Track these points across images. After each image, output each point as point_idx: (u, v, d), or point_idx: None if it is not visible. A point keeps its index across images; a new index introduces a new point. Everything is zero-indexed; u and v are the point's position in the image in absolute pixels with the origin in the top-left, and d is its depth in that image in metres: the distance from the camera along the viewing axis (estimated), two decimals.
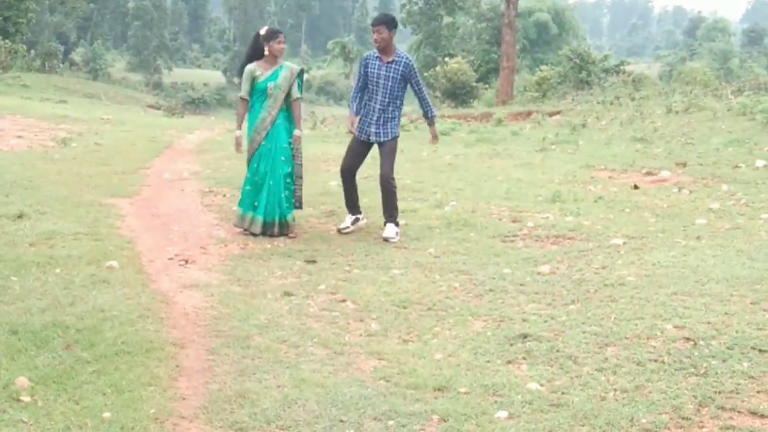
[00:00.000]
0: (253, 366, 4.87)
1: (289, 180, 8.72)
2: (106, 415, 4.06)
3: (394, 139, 8.86)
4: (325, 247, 8.12)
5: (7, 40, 43.99)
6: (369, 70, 8.69)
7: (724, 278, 6.45)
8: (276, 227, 8.60)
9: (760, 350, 4.91)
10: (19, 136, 16.19)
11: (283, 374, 4.74)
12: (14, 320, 5.27)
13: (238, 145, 8.86)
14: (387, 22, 8.68)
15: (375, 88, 8.71)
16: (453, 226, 9.03)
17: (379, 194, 8.82)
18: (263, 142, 8.63)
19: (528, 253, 7.83)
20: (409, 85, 8.82)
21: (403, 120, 27.53)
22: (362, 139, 8.83)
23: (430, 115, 9.18)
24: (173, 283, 6.63)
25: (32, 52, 52.72)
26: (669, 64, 79.16)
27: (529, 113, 27.39)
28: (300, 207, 8.98)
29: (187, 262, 7.35)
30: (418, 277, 7.04)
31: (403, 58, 8.71)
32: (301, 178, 8.92)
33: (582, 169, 13.72)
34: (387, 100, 8.71)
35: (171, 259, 7.44)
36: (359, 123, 8.84)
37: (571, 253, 7.74)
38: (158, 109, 43.50)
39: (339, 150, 15.98)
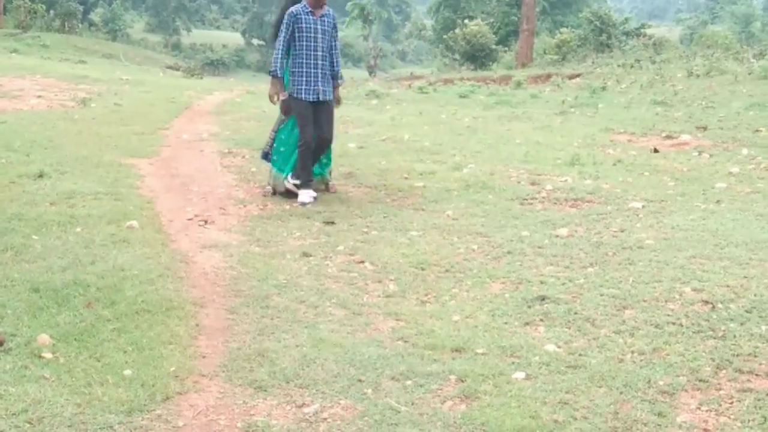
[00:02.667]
0: (272, 325, 4.91)
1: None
2: (127, 372, 4.11)
3: (331, 99, 8.67)
4: (344, 209, 8.13)
5: (26, 0, 43.96)
6: (303, 25, 8.27)
7: (743, 242, 6.43)
8: (319, 184, 8.72)
9: None
10: (39, 96, 16.23)
11: (302, 334, 4.78)
12: (36, 278, 5.32)
13: (273, 98, 8.79)
14: None
15: (313, 44, 8.32)
16: (471, 189, 9.01)
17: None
18: None
19: (546, 216, 7.82)
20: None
21: (422, 82, 27.57)
22: (312, 99, 8.39)
23: (340, 76, 8.82)
24: (193, 243, 6.67)
25: (51, 12, 52.51)
26: (690, 28, 78.36)
27: (549, 76, 27.23)
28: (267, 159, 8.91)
29: (206, 222, 7.39)
30: (436, 239, 7.05)
31: (329, 11, 8.52)
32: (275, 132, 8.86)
33: (601, 132, 13.64)
34: (325, 54, 8.46)
35: (190, 219, 7.48)
36: (303, 85, 8.37)
37: (589, 216, 7.72)
38: (177, 70, 43.42)
39: (358, 112, 16.00)
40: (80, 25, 59.24)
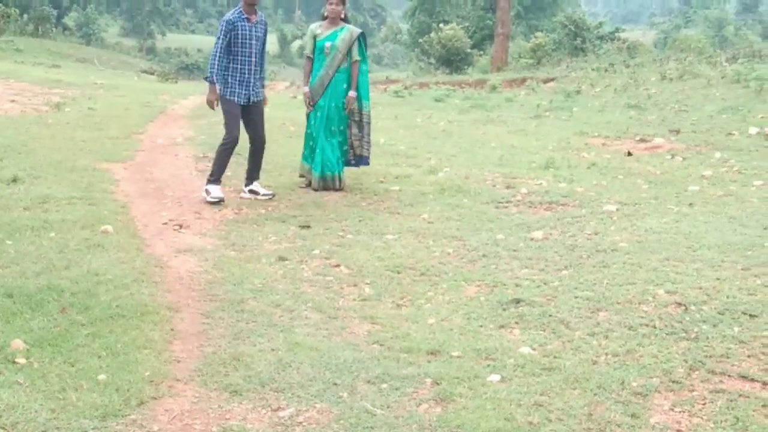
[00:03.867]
0: (247, 329, 4.90)
1: (341, 138, 9.14)
2: (101, 377, 4.09)
3: (261, 99, 8.86)
4: (319, 213, 8.13)
5: None
6: (239, 32, 8.42)
7: (715, 244, 6.48)
8: (336, 181, 9.11)
9: (750, 315, 4.95)
10: (13, 101, 16.13)
11: (278, 338, 4.78)
12: (9, 283, 5.29)
13: (308, 99, 9.19)
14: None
15: (247, 49, 8.51)
16: (446, 192, 9.04)
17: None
18: (320, 99, 9.04)
19: (521, 219, 7.85)
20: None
21: (397, 86, 27.61)
22: (242, 102, 8.58)
23: (264, 77, 9.06)
24: (168, 247, 6.65)
25: (25, 16, 52.27)
26: (664, 32, 78.83)
27: (524, 80, 27.31)
28: (355, 165, 9.47)
29: (181, 226, 7.37)
30: (411, 242, 7.06)
31: (263, 17, 8.75)
32: (366, 135, 9.35)
33: (576, 135, 13.72)
34: (258, 59, 8.67)
35: (165, 223, 7.46)
36: (237, 88, 8.53)
37: (564, 219, 7.76)
38: (152, 74, 43.25)
39: None
40: (54, 29, 58.94)
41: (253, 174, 8.88)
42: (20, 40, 40.87)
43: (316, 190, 9.00)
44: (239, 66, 8.52)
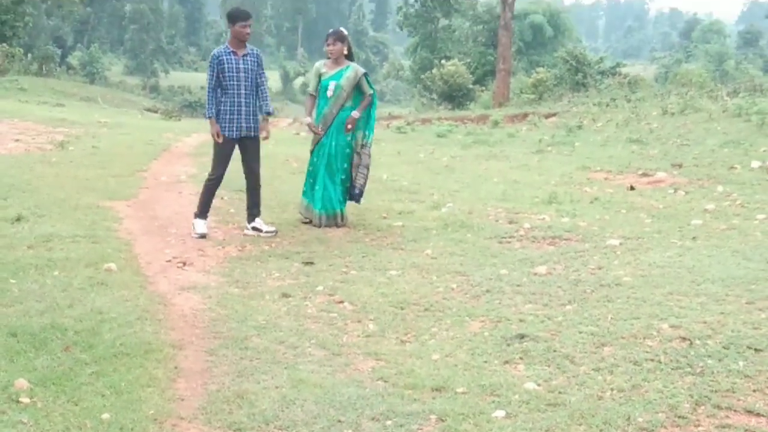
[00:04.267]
0: (251, 367, 4.89)
1: (344, 176, 9.11)
2: (105, 416, 4.07)
3: (257, 135, 8.86)
4: (323, 249, 8.13)
5: (4, 44, 44.02)
6: (225, 65, 8.51)
7: (719, 278, 6.47)
8: (337, 218, 9.09)
9: (755, 349, 4.93)
10: (17, 140, 16.19)
11: (282, 375, 4.76)
12: (13, 322, 5.29)
13: (312, 129, 9.18)
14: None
15: (236, 83, 8.55)
16: (450, 228, 9.05)
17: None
18: (323, 138, 9.04)
19: (524, 254, 7.85)
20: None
21: (400, 122, 27.70)
22: (234, 137, 8.64)
23: (268, 110, 8.93)
24: (171, 285, 6.65)
25: (29, 55, 52.64)
26: (665, 66, 79.16)
27: (526, 115, 27.42)
28: (358, 200, 9.41)
29: (184, 264, 7.37)
30: (415, 278, 7.06)
31: (254, 50, 8.78)
32: (366, 168, 9.30)
33: (578, 170, 13.75)
34: (249, 92, 8.66)
35: (169, 261, 7.46)
36: (227, 123, 8.58)
37: (567, 254, 7.76)
38: (155, 112, 43.46)
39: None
40: (58, 69, 59.42)
41: (253, 210, 8.89)
42: (24, 79, 41.09)
43: (318, 227, 9.00)
44: (229, 99, 8.57)
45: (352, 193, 9.29)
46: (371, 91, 9.17)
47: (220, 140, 8.59)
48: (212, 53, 8.67)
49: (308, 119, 9.24)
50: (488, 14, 53.37)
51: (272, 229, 8.78)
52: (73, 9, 56.83)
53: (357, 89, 9.11)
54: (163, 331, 5.45)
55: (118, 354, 4.92)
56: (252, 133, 8.73)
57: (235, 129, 8.61)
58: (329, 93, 8.97)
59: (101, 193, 10.58)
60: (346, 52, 9.09)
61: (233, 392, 4.48)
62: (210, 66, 8.60)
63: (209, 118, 8.61)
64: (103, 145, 16.41)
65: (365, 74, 9.17)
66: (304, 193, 9.25)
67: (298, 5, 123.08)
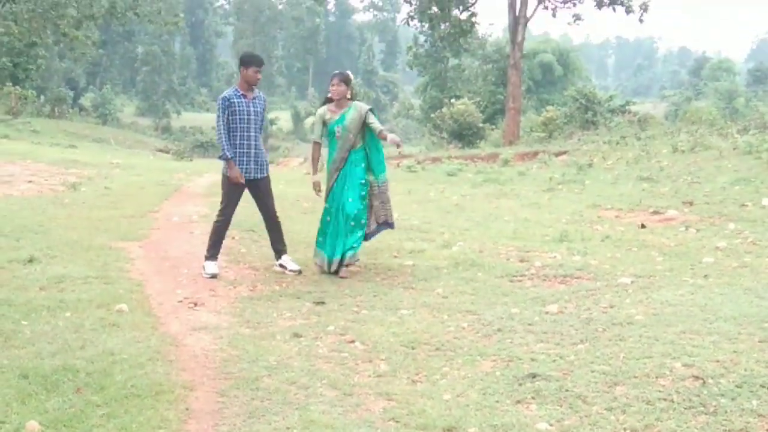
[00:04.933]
0: (262, 408, 4.87)
1: (353, 223, 8.81)
2: None
3: (266, 176, 8.92)
4: (334, 288, 8.14)
5: (17, 87, 44.52)
6: (236, 108, 8.58)
7: (732, 316, 6.44)
8: (337, 264, 8.81)
9: None
10: (30, 181, 16.31)
11: (293, 416, 4.75)
12: (25, 364, 5.29)
13: (317, 189, 9.01)
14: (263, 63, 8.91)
15: (246, 125, 8.63)
16: (461, 267, 9.04)
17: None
18: (335, 182, 8.87)
19: (536, 293, 7.84)
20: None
21: (410, 161, 27.80)
22: (242, 180, 8.72)
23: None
24: (183, 325, 6.65)
25: (42, 97, 53.20)
26: (674, 104, 79.39)
27: (536, 153, 27.47)
28: (392, 227, 9.28)
29: (196, 304, 7.38)
30: (426, 317, 7.05)
31: (260, 93, 8.86)
32: (388, 202, 9.13)
33: (589, 208, 13.75)
34: (257, 134, 8.76)
35: (180, 301, 7.47)
36: (236, 165, 8.65)
37: (579, 293, 7.74)
38: (167, 152, 43.73)
39: None
40: (70, 110, 59.92)
41: (277, 247, 9.05)
42: (37, 121, 41.46)
43: (327, 272, 8.84)
44: (238, 142, 8.64)
45: (383, 225, 9.18)
46: (382, 127, 8.85)
47: (242, 181, 8.66)
48: (222, 96, 8.71)
49: (315, 178, 8.99)
50: (498, 54, 53.73)
51: (297, 267, 8.83)
52: (85, 51, 57.15)
53: (367, 128, 8.90)
54: (174, 372, 5.44)
55: (130, 395, 4.92)
56: (260, 174, 8.80)
57: (244, 171, 8.68)
58: (337, 136, 8.83)
59: (113, 234, 10.63)
60: (348, 95, 8.93)
61: None
62: (220, 108, 8.62)
63: (228, 160, 8.61)
64: (115, 186, 16.51)
65: (370, 110, 8.94)
66: (319, 243, 9.00)
67: (309, 46, 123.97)
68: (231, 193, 8.76)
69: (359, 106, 8.89)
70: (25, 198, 13.80)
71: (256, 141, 8.73)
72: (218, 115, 8.64)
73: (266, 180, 8.90)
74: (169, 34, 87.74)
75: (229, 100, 8.59)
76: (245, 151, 8.67)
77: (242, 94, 8.64)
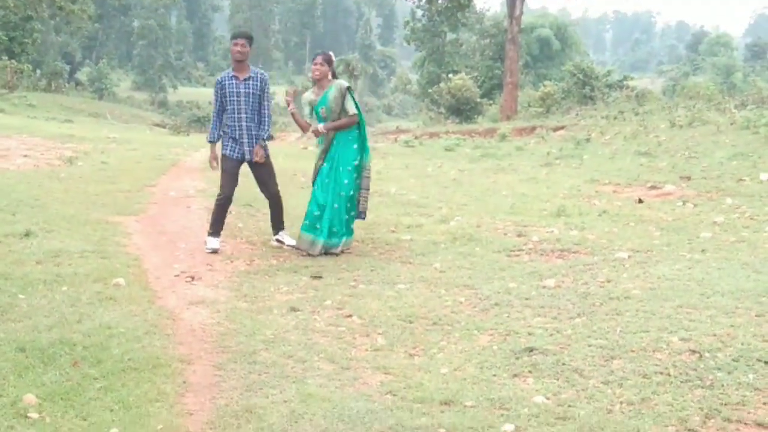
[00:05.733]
0: (259, 381, 4.88)
1: (350, 204, 8.73)
2: (114, 431, 4.07)
3: (268, 155, 8.86)
4: (331, 263, 8.14)
5: (13, 60, 44.29)
6: (227, 90, 8.60)
7: (729, 291, 6.45)
8: (339, 247, 8.66)
9: (765, 362, 4.90)
10: (26, 156, 16.25)
11: (290, 389, 4.75)
12: (22, 338, 5.29)
13: (320, 131, 8.70)
14: (249, 37, 8.83)
15: (235, 107, 8.63)
16: (458, 241, 9.04)
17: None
18: (324, 164, 8.71)
19: (533, 267, 7.84)
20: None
21: (408, 136, 27.74)
22: (236, 157, 8.73)
23: (263, 135, 8.81)
24: (180, 299, 6.65)
25: (38, 72, 53.00)
26: (672, 79, 79.21)
27: (533, 128, 27.45)
28: (363, 217, 9.02)
29: (193, 278, 7.38)
30: (423, 291, 7.05)
31: (258, 73, 8.76)
32: (366, 189, 8.93)
33: (586, 183, 13.75)
34: (251, 116, 8.69)
35: (177, 276, 7.47)
36: (230, 143, 8.69)
37: (576, 267, 7.75)
38: (164, 127, 43.66)
39: None
40: (67, 85, 59.70)
41: (276, 224, 9.08)
42: (33, 95, 41.32)
43: (315, 255, 8.51)
44: (229, 123, 8.69)
45: (362, 212, 8.98)
46: (354, 111, 8.67)
47: (213, 166, 8.90)
48: (217, 78, 8.78)
49: (314, 126, 8.75)
50: (495, 28, 53.46)
51: (294, 242, 8.82)
52: (81, 25, 57.06)
53: (357, 108, 8.75)
54: (172, 346, 5.44)
55: (127, 369, 4.92)
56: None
57: (237, 151, 8.72)
58: (323, 116, 8.65)
59: (110, 209, 10.61)
60: (330, 75, 8.72)
61: (242, 407, 4.47)
62: (215, 91, 8.72)
63: (210, 142, 8.93)
64: (111, 161, 16.48)
65: (348, 88, 8.73)
66: (307, 227, 8.68)
67: (306, 20, 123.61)
68: (226, 171, 8.78)
69: (339, 85, 8.68)
70: (21, 172, 13.75)
71: (248, 123, 8.67)
72: (214, 98, 8.76)
73: (266, 161, 8.83)
74: (165, 7, 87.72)
75: (220, 82, 8.67)
76: (237, 132, 8.68)
77: (234, 76, 8.63)
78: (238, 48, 8.60)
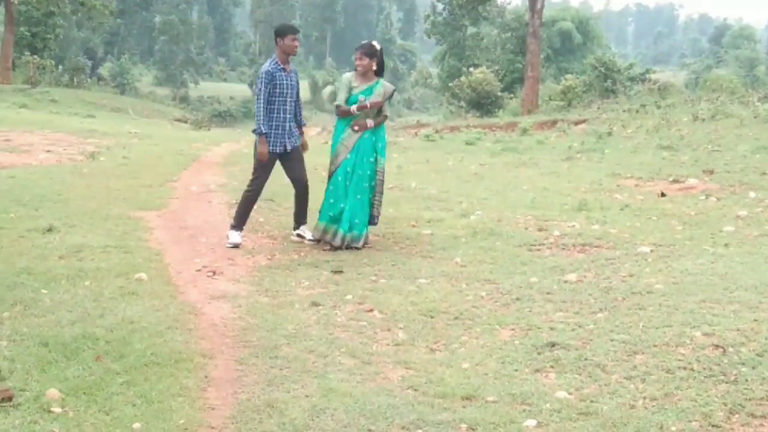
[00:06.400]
0: (281, 376, 4.89)
1: (370, 195, 8.74)
2: (136, 425, 4.09)
3: (298, 145, 8.93)
4: (352, 258, 8.13)
5: (35, 56, 44.51)
6: (277, 82, 8.56)
7: (752, 285, 6.40)
8: (361, 241, 8.62)
9: None
10: (48, 151, 16.33)
11: (311, 384, 4.76)
12: (45, 332, 5.32)
13: (360, 105, 8.62)
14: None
15: (283, 99, 8.63)
16: (479, 236, 9.02)
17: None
18: (348, 156, 8.66)
19: (554, 262, 7.81)
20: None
21: (428, 130, 27.71)
22: (279, 151, 8.69)
23: (303, 123, 9.13)
24: (201, 294, 6.67)
25: (60, 67, 53.19)
26: (695, 72, 78.68)
27: (555, 122, 27.32)
28: (375, 223, 8.91)
29: (214, 273, 7.39)
30: (444, 286, 7.04)
31: (293, 66, 8.83)
32: (380, 193, 8.87)
33: (608, 177, 13.68)
34: (291, 108, 8.75)
35: (199, 270, 7.49)
36: (272, 138, 8.62)
37: (598, 261, 7.71)
38: (185, 122, 43.69)
39: None
40: (89, 80, 59.93)
41: (299, 218, 9.04)
42: (55, 90, 41.44)
43: (339, 247, 8.52)
44: (276, 115, 8.62)
45: (375, 217, 8.90)
46: (388, 114, 8.89)
47: (266, 159, 8.64)
48: (264, 69, 8.63)
49: (354, 108, 8.62)
50: (516, 22, 53.23)
51: (314, 237, 8.79)
52: (103, 21, 57.18)
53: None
54: (194, 341, 5.46)
55: (149, 363, 4.94)
56: (292, 146, 8.79)
57: (279, 144, 8.67)
58: (359, 107, 8.59)
59: (132, 204, 10.64)
60: (375, 67, 8.73)
61: (263, 401, 4.48)
62: (263, 81, 8.55)
63: (261, 134, 8.57)
64: (133, 156, 16.53)
65: (394, 91, 8.99)
66: (325, 217, 8.69)
67: (327, 15, 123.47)
68: (264, 165, 8.72)
69: (386, 86, 8.77)
70: (43, 167, 13.83)
71: (290, 115, 8.73)
72: (260, 89, 8.59)
73: (297, 149, 8.88)
74: (186, 3, 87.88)
75: (272, 74, 8.56)
76: (282, 124, 8.65)
77: (282, 68, 8.64)
78: (296, 44, 8.71)
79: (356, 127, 8.65)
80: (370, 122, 8.67)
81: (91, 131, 22.23)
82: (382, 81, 8.78)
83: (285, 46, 8.63)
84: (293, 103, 8.79)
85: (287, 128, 8.71)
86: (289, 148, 8.74)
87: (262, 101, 8.56)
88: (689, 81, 64.45)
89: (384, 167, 8.90)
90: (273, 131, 8.63)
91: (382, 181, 8.90)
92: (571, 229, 9.25)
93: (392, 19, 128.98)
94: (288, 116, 8.70)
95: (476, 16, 53.07)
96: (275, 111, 8.62)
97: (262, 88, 8.56)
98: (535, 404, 4.45)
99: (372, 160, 8.71)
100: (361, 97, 8.63)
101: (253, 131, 8.73)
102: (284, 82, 8.61)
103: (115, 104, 46.96)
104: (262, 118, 8.54)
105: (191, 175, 14.44)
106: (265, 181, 8.83)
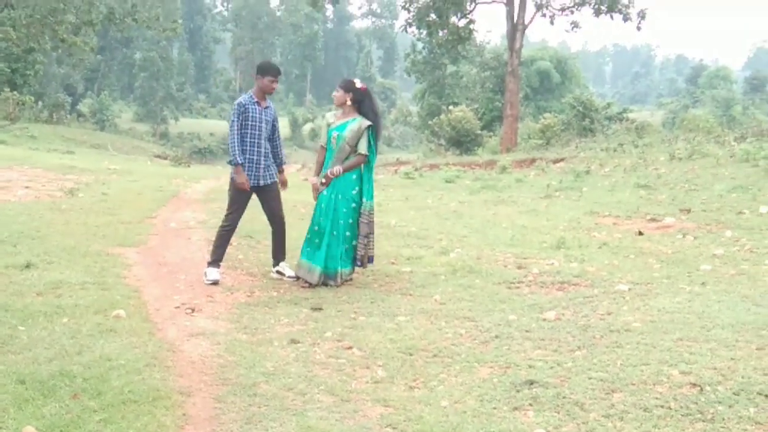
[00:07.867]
0: (259, 414, 4.87)
1: (349, 233, 8.65)
2: None
3: (275, 181, 8.97)
4: (331, 295, 8.13)
5: (15, 92, 44.47)
6: (250, 114, 8.63)
7: (729, 324, 6.44)
8: (337, 278, 8.58)
9: (766, 396, 4.89)
10: (27, 187, 16.27)
11: (290, 422, 4.74)
12: (22, 370, 5.28)
13: (314, 190, 8.81)
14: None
15: (257, 132, 8.68)
16: (458, 273, 9.04)
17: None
18: (324, 191, 8.65)
19: (533, 300, 7.84)
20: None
21: (408, 167, 27.79)
22: (252, 184, 8.72)
23: (283, 161, 9.23)
24: (180, 331, 6.64)
25: (40, 103, 53.09)
26: (672, 112, 79.45)
27: (533, 160, 27.51)
28: (361, 265, 8.79)
29: (193, 310, 7.37)
30: (423, 323, 7.05)
31: (270, 103, 8.91)
32: (365, 236, 8.73)
33: (586, 215, 13.76)
34: (265, 143, 8.81)
35: (177, 307, 7.46)
36: (245, 171, 8.65)
37: (576, 300, 7.75)
38: (165, 158, 43.71)
39: None
40: (68, 116, 59.85)
41: (278, 255, 9.05)
42: (35, 126, 41.39)
43: (315, 285, 8.49)
44: (249, 148, 8.67)
45: (358, 260, 8.76)
46: (365, 152, 8.58)
47: (248, 188, 8.66)
48: (237, 101, 8.71)
49: (314, 179, 8.86)
50: (496, 61, 53.72)
51: (294, 274, 8.79)
52: (83, 57, 57.18)
53: (370, 148, 8.63)
54: (172, 378, 5.43)
55: (127, 401, 4.91)
56: (268, 181, 8.84)
57: (252, 178, 8.71)
58: (333, 144, 8.61)
59: (110, 240, 10.61)
60: (349, 102, 8.61)
61: None
62: (235, 113, 8.64)
63: (237, 165, 8.59)
64: (112, 192, 16.49)
65: (369, 127, 8.60)
66: (305, 253, 8.70)
67: (307, 52, 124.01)
68: (238, 199, 8.75)
69: (362, 122, 8.58)
70: (22, 203, 13.77)
71: (265, 149, 8.78)
72: (233, 120, 8.66)
73: (275, 185, 8.95)
74: (167, 40, 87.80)
75: (244, 106, 8.63)
76: (255, 158, 8.70)
77: (257, 102, 8.70)
78: (275, 85, 8.78)
79: (323, 180, 8.66)
80: (337, 168, 8.58)
81: (70, 167, 22.18)
82: (359, 118, 8.61)
83: (263, 85, 8.71)
84: (268, 140, 8.86)
85: (261, 163, 8.74)
86: (262, 183, 8.78)
87: (235, 132, 8.62)
88: (666, 120, 65.13)
89: (371, 209, 8.79)
90: (247, 164, 8.68)
91: (372, 222, 8.80)
92: (550, 267, 9.29)
93: (372, 57, 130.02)
94: (262, 150, 8.74)
95: (456, 55, 53.31)
96: (248, 144, 8.66)
97: (235, 120, 8.63)
98: None
99: (348, 197, 8.60)
100: (334, 134, 8.63)
101: (229, 162, 8.78)
102: (257, 115, 8.66)
103: (95, 140, 46.95)
104: (236, 148, 8.59)
105: (170, 211, 14.41)
106: (240, 215, 8.85)
